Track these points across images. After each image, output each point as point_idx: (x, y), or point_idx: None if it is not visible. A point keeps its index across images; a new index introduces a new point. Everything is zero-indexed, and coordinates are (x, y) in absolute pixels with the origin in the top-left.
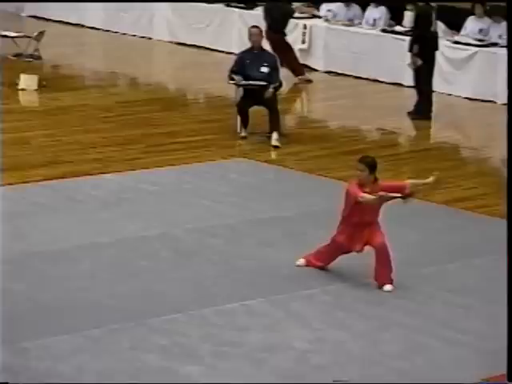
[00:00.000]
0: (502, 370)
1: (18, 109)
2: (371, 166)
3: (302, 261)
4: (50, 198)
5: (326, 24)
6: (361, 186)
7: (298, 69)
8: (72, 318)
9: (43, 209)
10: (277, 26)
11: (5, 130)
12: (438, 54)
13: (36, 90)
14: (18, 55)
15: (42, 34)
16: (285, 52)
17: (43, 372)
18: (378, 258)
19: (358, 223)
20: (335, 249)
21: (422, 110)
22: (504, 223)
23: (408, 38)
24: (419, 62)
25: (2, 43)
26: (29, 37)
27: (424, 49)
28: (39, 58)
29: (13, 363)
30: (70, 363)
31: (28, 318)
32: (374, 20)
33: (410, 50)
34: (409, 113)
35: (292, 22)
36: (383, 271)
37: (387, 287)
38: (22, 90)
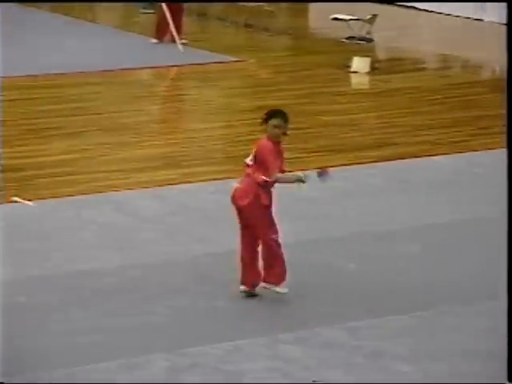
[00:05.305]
0: None
1: (349, 91)
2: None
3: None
4: (380, 179)
5: None
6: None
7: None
8: (400, 300)
9: (374, 190)
10: None
11: (337, 112)
12: None
13: (368, 72)
14: (350, 38)
15: (374, 17)
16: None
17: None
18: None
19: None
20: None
21: None
22: None
23: None
24: None
25: (336, 26)
26: (362, 20)
27: None
28: (371, 40)
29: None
30: (400, 343)
31: (358, 297)
32: None
33: None
34: None
35: None
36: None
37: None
38: (354, 72)
